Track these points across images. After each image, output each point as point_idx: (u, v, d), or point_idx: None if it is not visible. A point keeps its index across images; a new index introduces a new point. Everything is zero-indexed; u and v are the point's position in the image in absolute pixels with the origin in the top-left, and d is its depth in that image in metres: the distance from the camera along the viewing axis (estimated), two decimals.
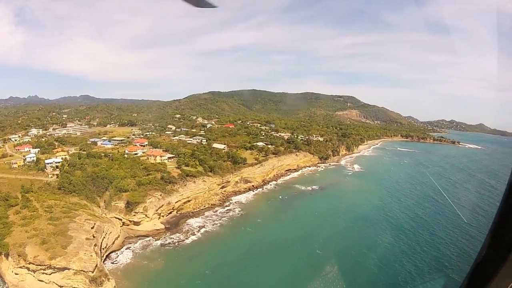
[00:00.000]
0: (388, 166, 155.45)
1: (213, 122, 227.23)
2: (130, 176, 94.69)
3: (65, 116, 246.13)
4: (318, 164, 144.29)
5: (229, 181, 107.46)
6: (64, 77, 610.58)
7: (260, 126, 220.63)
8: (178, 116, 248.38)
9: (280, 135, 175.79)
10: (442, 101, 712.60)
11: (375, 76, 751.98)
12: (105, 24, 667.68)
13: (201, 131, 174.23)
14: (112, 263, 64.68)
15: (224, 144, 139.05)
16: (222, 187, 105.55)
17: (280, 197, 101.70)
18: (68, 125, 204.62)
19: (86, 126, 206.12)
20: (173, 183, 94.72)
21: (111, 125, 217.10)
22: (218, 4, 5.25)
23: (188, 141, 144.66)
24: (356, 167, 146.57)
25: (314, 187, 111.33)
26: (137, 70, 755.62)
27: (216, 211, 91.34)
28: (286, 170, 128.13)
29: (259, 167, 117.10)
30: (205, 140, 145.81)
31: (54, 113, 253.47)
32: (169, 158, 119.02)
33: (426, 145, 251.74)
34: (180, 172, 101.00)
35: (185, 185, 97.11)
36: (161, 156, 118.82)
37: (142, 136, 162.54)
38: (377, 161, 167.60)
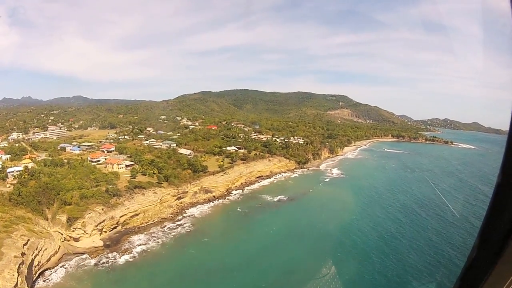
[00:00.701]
0: (371, 170, 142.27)
1: (197, 123, 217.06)
2: (78, 188, 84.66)
3: (52, 118, 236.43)
4: (295, 170, 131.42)
5: (186, 192, 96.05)
6: (57, 77, 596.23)
7: (244, 127, 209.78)
8: (163, 117, 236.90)
9: (259, 137, 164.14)
10: (435, 99, 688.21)
11: (367, 74, 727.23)
12: (96, 25, 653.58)
13: (178, 134, 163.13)
14: (44, 281, 58.82)
15: (193, 149, 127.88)
16: (178, 198, 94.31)
17: (239, 209, 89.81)
18: (49, 128, 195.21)
19: (66, 129, 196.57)
20: (119, 195, 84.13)
21: (92, 127, 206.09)
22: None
23: (156, 146, 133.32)
24: (336, 172, 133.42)
25: (281, 197, 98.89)
26: (129, 70, 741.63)
27: (164, 226, 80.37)
28: (257, 177, 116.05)
29: (222, 175, 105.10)
30: (174, 145, 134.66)
31: (42, 115, 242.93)
32: (127, 166, 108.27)
33: (417, 146, 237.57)
34: (128, 184, 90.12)
35: (132, 197, 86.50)
36: (118, 164, 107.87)
37: (113, 141, 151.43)
38: (361, 164, 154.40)
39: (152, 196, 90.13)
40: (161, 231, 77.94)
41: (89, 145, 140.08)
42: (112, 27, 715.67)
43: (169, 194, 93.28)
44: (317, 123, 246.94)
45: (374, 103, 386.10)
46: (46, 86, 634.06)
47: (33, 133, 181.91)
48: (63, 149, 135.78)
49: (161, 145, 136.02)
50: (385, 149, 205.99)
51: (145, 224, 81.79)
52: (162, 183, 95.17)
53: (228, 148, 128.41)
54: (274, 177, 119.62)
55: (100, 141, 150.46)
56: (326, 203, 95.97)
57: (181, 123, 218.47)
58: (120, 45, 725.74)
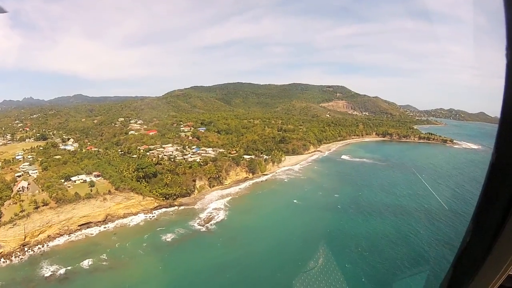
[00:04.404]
0: (277, 211, 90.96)
1: (143, 127, 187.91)
2: None
3: (20, 125, 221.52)
4: (155, 209, 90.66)
5: None
6: (59, 77, 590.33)
7: (189, 130, 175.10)
8: (121, 119, 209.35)
9: (156, 152, 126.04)
10: (441, 89, 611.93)
11: (371, 65, 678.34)
12: (97, 24, 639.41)
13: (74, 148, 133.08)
14: None
15: (43, 177, 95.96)
16: None
17: None
18: None
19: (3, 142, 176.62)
20: None
21: (31, 139, 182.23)
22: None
23: (19, 173, 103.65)
24: (210, 215, 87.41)
25: (59, 270, 61.39)
26: (131, 67, 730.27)
27: None
28: (82, 224, 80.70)
29: (11, 227, 72.25)
30: (35, 171, 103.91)
31: (17, 121, 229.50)
32: None
33: (403, 148, 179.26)
34: None
35: None
36: None
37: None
38: (281, 194, 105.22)
39: None
40: None
41: None
42: (114, 26, 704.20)
43: None
44: (290, 120, 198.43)
45: (377, 94, 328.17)
46: (49, 86, 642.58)
47: None
48: None
49: (24, 171, 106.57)
50: (346, 158, 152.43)
51: None
52: None
53: (74, 178, 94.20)
54: (109, 224, 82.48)
55: None
56: None
57: (129, 127, 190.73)
58: (122, 43, 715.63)
